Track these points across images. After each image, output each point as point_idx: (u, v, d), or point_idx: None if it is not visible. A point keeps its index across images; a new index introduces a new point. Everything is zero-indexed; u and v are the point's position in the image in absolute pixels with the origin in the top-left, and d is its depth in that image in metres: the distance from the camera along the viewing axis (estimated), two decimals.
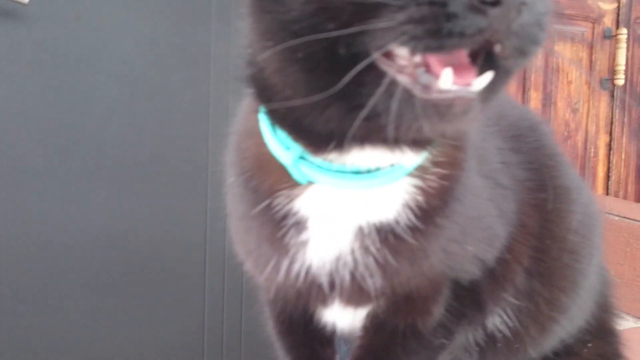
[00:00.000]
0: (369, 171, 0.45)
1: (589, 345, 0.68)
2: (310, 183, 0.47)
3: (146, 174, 1.62)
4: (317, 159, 0.45)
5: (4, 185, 1.57)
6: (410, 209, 0.46)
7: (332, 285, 0.49)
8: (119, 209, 1.65)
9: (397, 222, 0.46)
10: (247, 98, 0.51)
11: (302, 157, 0.45)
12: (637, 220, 1.67)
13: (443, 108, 0.36)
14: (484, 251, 0.53)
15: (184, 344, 1.76)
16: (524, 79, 2.95)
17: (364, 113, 0.37)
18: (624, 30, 3.00)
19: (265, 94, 0.43)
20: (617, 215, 1.75)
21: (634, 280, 1.67)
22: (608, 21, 3.05)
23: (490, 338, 0.60)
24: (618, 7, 3.06)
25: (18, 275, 1.61)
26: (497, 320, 0.59)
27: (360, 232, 0.46)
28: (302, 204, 0.47)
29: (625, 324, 1.80)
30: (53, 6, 1.58)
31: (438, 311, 0.54)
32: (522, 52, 0.38)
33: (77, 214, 1.64)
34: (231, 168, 0.52)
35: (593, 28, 3.02)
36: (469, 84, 0.37)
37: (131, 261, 1.68)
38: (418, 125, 0.37)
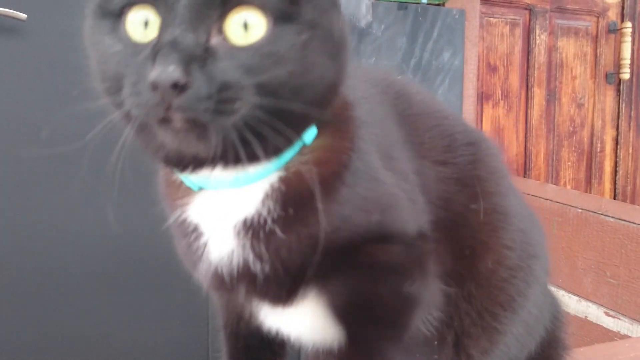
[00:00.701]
0: (238, 175, 0.51)
1: None
2: (199, 191, 0.53)
3: (152, 175, 1.65)
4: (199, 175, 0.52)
5: (16, 189, 1.61)
6: (273, 199, 0.51)
7: (233, 279, 0.53)
8: (127, 209, 1.69)
9: (261, 215, 0.51)
10: None
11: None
12: (632, 222, 1.67)
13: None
14: (397, 215, 0.55)
15: (189, 339, 1.79)
16: (527, 75, 2.94)
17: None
18: (628, 24, 2.97)
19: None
20: (613, 217, 1.75)
21: (629, 282, 1.67)
22: (613, 15, 3.02)
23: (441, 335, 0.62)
24: (623, 1, 3.03)
25: (32, 272, 1.65)
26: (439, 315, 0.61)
27: (237, 230, 0.52)
28: (192, 212, 0.54)
29: (621, 325, 1.80)
30: (50, 22, 1.61)
31: (387, 285, 0.55)
32: (196, 122, 0.44)
33: (87, 214, 1.68)
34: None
35: (597, 22, 3.00)
36: None
37: (139, 259, 1.72)
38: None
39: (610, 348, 0.83)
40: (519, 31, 2.92)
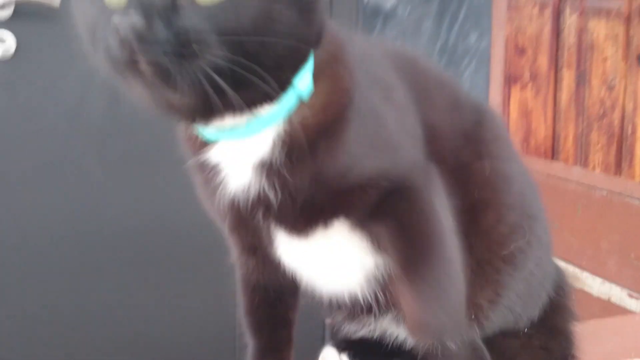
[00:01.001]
0: (243, 126, 0.57)
1: (532, 336, 0.72)
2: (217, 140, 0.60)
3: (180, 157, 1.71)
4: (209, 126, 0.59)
5: (47, 176, 1.69)
6: (280, 146, 0.57)
7: (249, 206, 0.60)
8: (157, 191, 1.76)
9: (273, 159, 0.58)
10: None
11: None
12: None
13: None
14: (406, 155, 0.61)
15: (217, 318, 1.85)
16: (557, 57, 2.90)
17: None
18: None
19: None
20: (638, 199, 1.76)
21: None
22: None
23: None
24: None
25: (61, 253, 1.74)
26: None
27: (254, 168, 0.59)
28: (212, 154, 0.62)
29: None
30: None
31: (413, 217, 0.61)
32: (159, 65, 0.49)
33: (116, 196, 1.76)
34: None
35: (630, 2, 2.94)
36: None
37: (166, 240, 1.79)
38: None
39: (621, 322, 0.85)
40: (548, 12, 2.88)
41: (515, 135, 2.73)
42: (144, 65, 0.49)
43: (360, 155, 0.58)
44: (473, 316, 0.68)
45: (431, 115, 0.66)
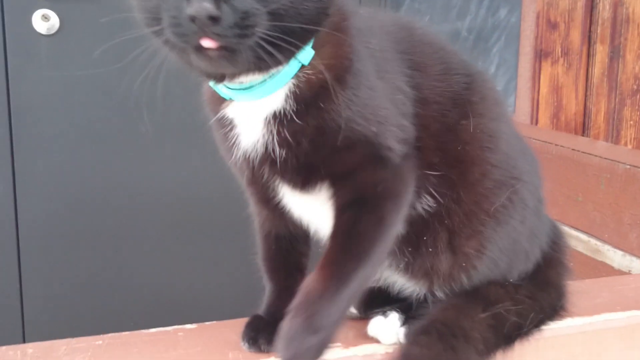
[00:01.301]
0: (258, 83, 0.65)
1: (520, 286, 0.77)
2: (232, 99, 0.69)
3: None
4: (229, 84, 0.67)
5: (85, 144, 1.80)
6: (292, 98, 0.65)
7: (258, 161, 0.68)
8: (189, 162, 1.85)
9: (284, 110, 0.65)
10: None
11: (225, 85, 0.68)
12: None
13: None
14: (395, 133, 0.67)
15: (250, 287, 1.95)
16: (590, 31, 2.87)
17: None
18: None
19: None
20: None
21: None
22: None
23: (419, 227, 0.72)
24: None
25: (113, 224, 1.85)
26: (423, 202, 0.72)
27: (266, 121, 0.66)
28: (229, 111, 0.69)
29: None
30: None
31: (377, 191, 0.66)
32: (227, 47, 0.57)
33: (160, 172, 1.86)
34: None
35: None
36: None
37: (206, 212, 1.88)
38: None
39: (613, 281, 0.90)
40: None
41: (545, 111, 2.73)
42: (213, 49, 0.57)
43: (349, 118, 0.64)
44: (463, 264, 0.73)
45: (423, 83, 0.71)
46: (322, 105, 0.64)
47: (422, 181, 0.71)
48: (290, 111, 0.64)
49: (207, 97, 0.74)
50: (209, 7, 0.53)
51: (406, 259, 0.74)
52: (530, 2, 2.48)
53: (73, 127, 1.80)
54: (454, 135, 0.72)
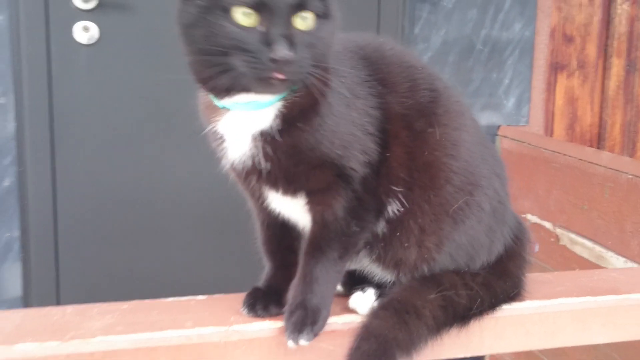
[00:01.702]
0: (253, 103, 0.78)
1: (476, 275, 0.87)
2: (227, 111, 0.80)
3: None
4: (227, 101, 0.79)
5: (127, 155, 1.96)
6: (278, 120, 0.78)
7: (245, 171, 0.81)
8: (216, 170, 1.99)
9: (271, 128, 0.78)
10: None
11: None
12: None
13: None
14: (358, 157, 0.80)
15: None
16: (606, 45, 2.94)
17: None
18: None
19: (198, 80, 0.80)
20: None
21: None
22: None
23: (387, 224, 0.85)
24: None
25: (142, 217, 2.00)
26: (393, 206, 0.84)
27: (253, 137, 0.79)
28: (220, 125, 0.81)
29: None
30: None
31: (341, 205, 0.81)
32: (294, 78, 0.74)
33: (184, 172, 2.00)
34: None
35: None
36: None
37: (224, 209, 2.00)
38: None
39: (579, 273, 1.00)
40: (598, 1, 2.91)
41: (560, 122, 2.80)
42: (279, 80, 0.73)
43: (318, 141, 0.77)
44: (425, 256, 0.84)
45: (392, 100, 0.82)
46: (299, 125, 0.77)
47: (389, 193, 0.83)
48: (276, 129, 0.77)
49: (202, 109, 0.85)
50: (291, 55, 0.71)
51: (379, 252, 0.86)
52: (545, 17, 2.57)
53: (108, 130, 1.95)
54: (422, 142, 0.83)
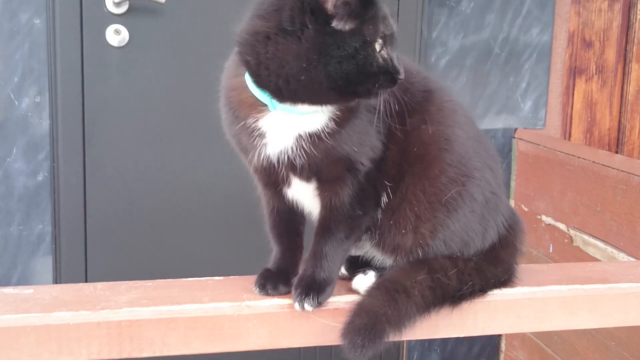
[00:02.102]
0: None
1: (469, 260, 0.93)
2: (271, 111, 0.87)
3: None
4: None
5: (154, 153, 2.05)
6: (328, 124, 0.87)
7: (280, 164, 0.89)
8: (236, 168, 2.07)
9: (321, 131, 0.86)
10: (231, 63, 0.93)
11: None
12: None
13: None
14: (368, 153, 0.89)
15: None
16: (625, 50, 2.96)
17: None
18: None
19: (261, 75, 0.85)
20: None
21: None
22: None
23: (383, 213, 0.93)
24: None
25: (169, 213, 2.09)
26: (384, 199, 0.92)
27: (297, 137, 0.87)
28: (262, 122, 0.88)
29: None
30: (185, 5, 2.00)
31: (348, 193, 0.89)
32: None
33: (203, 164, 2.09)
34: (223, 108, 0.95)
35: None
36: None
37: (242, 201, 2.09)
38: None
39: (572, 265, 1.06)
40: (618, 6, 2.92)
41: (578, 126, 2.83)
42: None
43: (344, 140, 0.86)
44: (420, 241, 0.91)
45: (390, 101, 0.89)
46: (343, 131, 0.87)
47: (383, 186, 0.92)
48: (326, 132, 0.86)
49: (235, 105, 0.92)
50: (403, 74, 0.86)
51: (378, 238, 0.94)
52: (563, 22, 2.61)
53: (136, 128, 2.05)
54: (415, 138, 0.91)
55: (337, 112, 0.86)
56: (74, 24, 1.94)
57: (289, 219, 0.98)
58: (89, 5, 1.95)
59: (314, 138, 0.86)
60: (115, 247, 2.07)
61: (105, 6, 1.96)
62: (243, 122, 0.89)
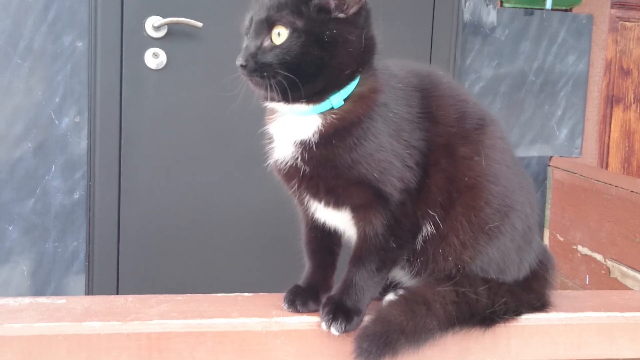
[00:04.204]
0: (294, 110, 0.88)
1: (503, 283, 0.91)
2: (278, 115, 0.91)
3: None
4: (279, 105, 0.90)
5: (186, 173, 2.08)
6: (317, 133, 0.87)
7: (287, 172, 0.90)
8: (266, 187, 2.09)
9: (310, 140, 0.87)
10: None
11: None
12: None
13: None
14: (395, 184, 0.87)
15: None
16: None
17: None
18: None
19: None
20: None
21: None
22: None
23: (425, 242, 0.90)
24: None
25: (200, 229, 2.11)
26: (427, 228, 0.90)
27: (295, 143, 0.88)
28: (271, 128, 0.93)
29: None
30: (221, 29, 2.04)
31: (380, 223, 0.87)
32: (253, 80, 0.86)
33: (239, 184, 2.11)
34: None
35: None
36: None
37: (273, 221, 2.10)
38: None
39: (610, 293, 1.02)
40: None
41: (615, 155, 2.78)
42: (249, 80, 0.86)
43: (356, 160, 0.85)
44: (459, 265, 0.89)
45: (438, 130, 0.89)
46: (334, 142, 0.86)
47: (425, 216, 0.90)
48: (314, 142, 0.86)
49: (266, 113, 0.96)
50: (240, 60, 0.85)
51: (418, 267, 0.92)
52: (599, 50, 2.58)
53: (172, 149, 2.08)
54: (466, 167, 0.90)
55: (320, 127, 0.87)
56: (114, 47, 2.00)
57: (322, 237, 0.98)
58: (129, 29, 2.00)
59: (307, 146, 0.87)
60: (147, 267, 2.09)
61: (145, 30, 2.02)
62: (264, 128, 0.95)
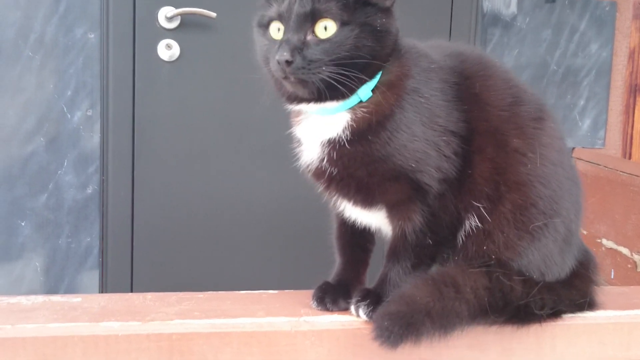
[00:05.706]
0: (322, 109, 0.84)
1: (550, 285, 0.86)
2: (304, 116, 0.87)
3: None
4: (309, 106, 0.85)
5: (201, 167, 2.04)
6: (347, 129, 0.83)
7: (315, 174, 0.86)
8: (286, 176, 2.05)
9: (340, 138, 0.83)
10: None
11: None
12: None
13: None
14: (432, 174, 0.82)
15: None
16: None
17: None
18: None
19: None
20: None
21: None
22: None
23: (467, 236, 0.85)
24: None
25: (213, 226, 2.07)
26: (471, 222, 0.84)
27: (322, 144, 0.84)
28: (297, 131, 0.89)
29: None
30: (236, 19, 1.99)
31: (417, 219, 0.82)
32: (298, 79, 0.80)
33: (253, 179, 2.07)
34: None
35: None
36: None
37: (293, 215, 2.06)
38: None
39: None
40: None
41: (639, 146, 2.71)
42: (292, 79, 0.80)
43: (390, 153, 0.81)
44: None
45: (482, 115, 0.84)
46: (369, 137, 0.82)
47: (469, 209, 0.84)
48: (345, 139, 0.82)
49: (291, 116, 0.92)
50: (286, 56, 0.79)
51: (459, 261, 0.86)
52: (623, 38, 2.50)
53: (186, 142, 2.04)
54: (518, 162, 0.85)
55: (351, 122, 0.83)
56: (127, 38, 1.95)
57: (356, 232, 0.93)
58: (142, 20, 1.96)
59: (336, 145, 0.83)
60: (162, 262, 2.05)
61: (158, 21, 1.97)
62: (291, 130, 0.91)
